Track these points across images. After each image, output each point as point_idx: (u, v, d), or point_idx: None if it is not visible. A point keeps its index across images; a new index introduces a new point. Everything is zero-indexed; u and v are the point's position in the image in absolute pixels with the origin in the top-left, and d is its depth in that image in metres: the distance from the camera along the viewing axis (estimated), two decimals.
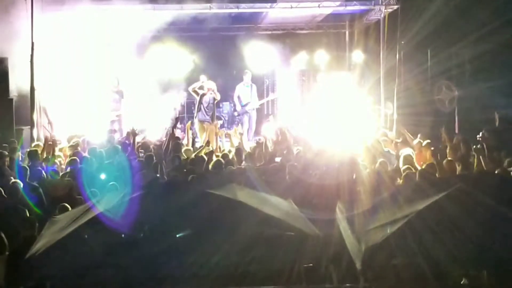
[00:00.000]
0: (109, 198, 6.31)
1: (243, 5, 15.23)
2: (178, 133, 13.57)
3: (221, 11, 15.40)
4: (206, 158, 9.73)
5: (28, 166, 9.28)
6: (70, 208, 6.92)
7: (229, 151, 11.13)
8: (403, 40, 15.53)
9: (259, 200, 6.06)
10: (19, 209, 7.24)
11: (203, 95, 15.61)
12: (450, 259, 5.62)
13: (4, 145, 10.99)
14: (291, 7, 15.33)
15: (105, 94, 15.66)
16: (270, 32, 18.97)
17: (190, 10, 15.07)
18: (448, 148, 9.73)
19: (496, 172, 8.16)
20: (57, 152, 10.79)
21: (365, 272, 5.64)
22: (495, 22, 14.70)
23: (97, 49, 15.60)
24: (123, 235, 5.78)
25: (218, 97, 15.92)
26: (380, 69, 15.97)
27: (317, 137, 12.18)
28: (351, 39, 18.74)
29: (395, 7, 15.18)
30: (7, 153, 9.84)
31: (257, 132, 16.41)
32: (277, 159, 10.11)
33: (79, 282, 5.56)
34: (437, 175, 8.36)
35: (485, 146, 9.11)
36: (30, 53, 12.68)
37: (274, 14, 16.56)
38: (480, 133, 9.99)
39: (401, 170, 8.63)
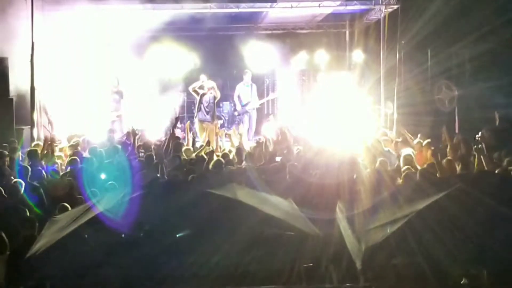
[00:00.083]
0: (109, 198, 6.31)
1: (243, 4, 15.22)
2: (178, 132, 13.57)
3: (221, 11, 15.41)
4: (206, 157, 9.73)
5: (28, 165, 9.28)
6: (70, 208, 6.91)
7: (229, 151, 11.12)
8: (403, 40, 15.51)
9: (259, 200, 6.06)
10: (19, 209, 7.24)
11: (203, 94, 15.61)
12: (450, 258, 5.61)
13: (4, 145, 10.98)
14: (291, 7, 15.32)
15: (105, 94, 15.67)
16: (270, 32, 18.97)
17: (190, 9, 15.09)
18: (448, 147, 9.73)
19: (496, 171, 8.15)
20: (57, 152, 10.80)
21: (365, 271, 5.63)
22: (495, 22, 14.68)
23: (97, 49, 15.63)
24: (123, 235, 5.78)
25: (219, 95, 15.92)
26: (380, 68, 15.96)
27: (317, 137, 12.17)
28: (351, 39, 18.73)
29: (395, 7, 15.17)
30: (7, 153, 9.84)
31: (257, 132, 16.41)
32: (277, 159, 10.10)
33: (79, 282, 5.55)
34: (437, 175, 8.36)
35: (484, 145, 9.10)
36: (30, 53, 12.68)
37: (274, 13, 16.56)
38: (480, 133, 9.99)
39: (401, 169, 8.64)
